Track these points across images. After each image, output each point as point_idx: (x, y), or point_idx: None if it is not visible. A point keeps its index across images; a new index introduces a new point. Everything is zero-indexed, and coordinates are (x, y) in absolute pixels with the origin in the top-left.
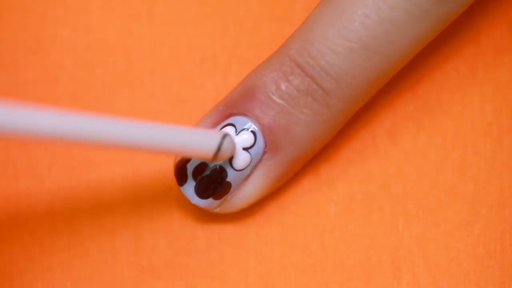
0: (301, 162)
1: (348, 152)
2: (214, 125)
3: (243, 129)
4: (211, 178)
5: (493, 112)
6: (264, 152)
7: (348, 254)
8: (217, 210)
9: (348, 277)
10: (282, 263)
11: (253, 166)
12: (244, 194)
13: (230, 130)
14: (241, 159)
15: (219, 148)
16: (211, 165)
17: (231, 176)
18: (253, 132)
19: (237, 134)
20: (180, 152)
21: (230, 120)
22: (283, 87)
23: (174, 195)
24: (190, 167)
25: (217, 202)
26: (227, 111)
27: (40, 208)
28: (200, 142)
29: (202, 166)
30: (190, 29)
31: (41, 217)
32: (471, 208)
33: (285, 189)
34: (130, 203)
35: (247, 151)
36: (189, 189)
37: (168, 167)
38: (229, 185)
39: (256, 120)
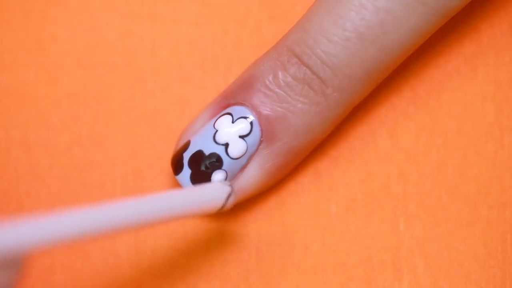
0: (298, 156)
1: (349, 152)
2: (212, 117)
3: (240, 118)
4: (206, 166)
5: (494, 112)
6: (260, 142)
7: (349, 254)
8: None
9: (349, 277)
10: (283, 263)
11: (249, 156)
12: (241, 185)
13: (226, 119)
14: (237, 147)
15: (228, 197)
16: (207, 153)
17: (226, 164)
18: (249, 120)
19: (233, 123)
20: (193, 214)
21: (228, 110)
22: (280, 75)
23: None
24: (186, 156)
25: None
26: (225, 102)
27: (40, 209)
28: (208, 200)
29: (198, 154)
30: (191, 29)
31: None
32: (472, 208)
33: (286, 189)
34: None
35: (243, 139)
36: (184, 177)
37: (168, 167)
38: (224, 173)
39: (253, 109)
